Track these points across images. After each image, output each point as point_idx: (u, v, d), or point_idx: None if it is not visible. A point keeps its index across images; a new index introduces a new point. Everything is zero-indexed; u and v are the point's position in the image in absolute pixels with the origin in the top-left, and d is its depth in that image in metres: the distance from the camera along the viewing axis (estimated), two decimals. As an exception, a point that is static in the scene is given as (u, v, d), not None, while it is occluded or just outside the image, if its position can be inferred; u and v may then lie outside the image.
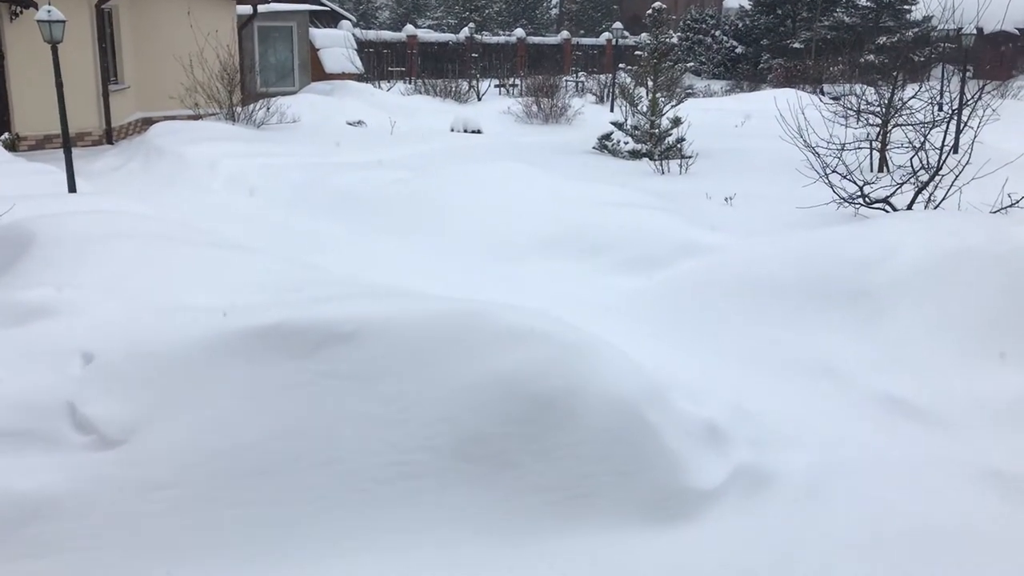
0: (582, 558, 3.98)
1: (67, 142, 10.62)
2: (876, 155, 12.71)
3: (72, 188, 10.37)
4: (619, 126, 16.18)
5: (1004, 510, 4.51)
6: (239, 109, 17.36)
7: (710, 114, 19.67)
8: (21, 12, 14.86)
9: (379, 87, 24.67)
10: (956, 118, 11.11)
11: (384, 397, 4.20)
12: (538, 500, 4.15)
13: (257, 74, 22.36)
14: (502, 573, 3.85)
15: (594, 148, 16.35)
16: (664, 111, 15.95)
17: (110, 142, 16.65)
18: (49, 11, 10.09)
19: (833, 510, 4.46)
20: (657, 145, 15.40)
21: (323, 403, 4.15)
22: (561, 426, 4.30)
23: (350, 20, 29.74)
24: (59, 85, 10.35)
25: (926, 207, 9.62)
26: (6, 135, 15.03)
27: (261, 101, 17.69)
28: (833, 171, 10.19)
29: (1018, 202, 9.13)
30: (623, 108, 16.61)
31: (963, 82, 13.94)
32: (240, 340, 4.27)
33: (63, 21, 10.22)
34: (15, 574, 3.51)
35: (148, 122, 17.56)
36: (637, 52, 18.75)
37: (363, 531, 3.92)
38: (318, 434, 4.07)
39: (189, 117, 17.09)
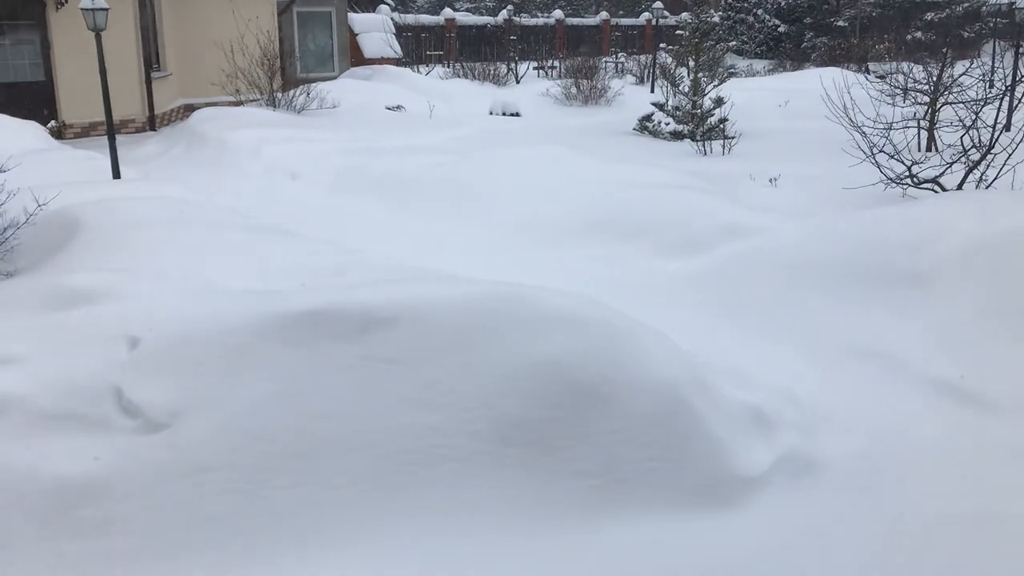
0: (624, 543, 3.95)
1: (111, 129, 10.75)
2: (924, 134, 12.41)
3: (116, 174, 10.51)
4: (660, 107, 15.99)
5: (1061, 498, 4.38)
6: (279, 95, 17.45)
7: (753, 94, 19.35)
8: (66, 1, 15.05)
9: (418, 71, 24.65)
10: (1009, 95, 10.80)
11: (425, 381, 4.20)
12: (580, 485, 4.12)
13: (297, 60, 22.45)
14: (543, 557, 3.83)
15: (634, 129, 16.20)
16: (706, 91, 15.73)
17: (153, 129, 16.85)
18: (93, 0, 10.20)
19: (881, 497, 4.38)
20: (699, 126, 15.20)
21: (364, 387, 4.15)
22: (603, 411, 4.26)
23: (388, 4, 29.72)
24: (103, 73, 10.47)
25: (977, 187, 9.38)
26: (52, 123, 15.27)
27: (301, 87, 17.75)
28: (880, 151, 9.97)
29: (1073, 181, 8.86)
30: (664, 89, 16.41)
31: (1016, 58, 13.55)
32: (282, 324, 4.28)
33: (106, 9, 10.33)
34: (62, 555, 3.56)
35: (190, 108, 17.73)
36: (678, 32, 18.51)
37: (404, 513, 3.92)
38: (359, 417, 4.08)
39: (230, 103, 17.22)
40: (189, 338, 4.23)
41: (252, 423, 3.96)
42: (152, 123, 16.92)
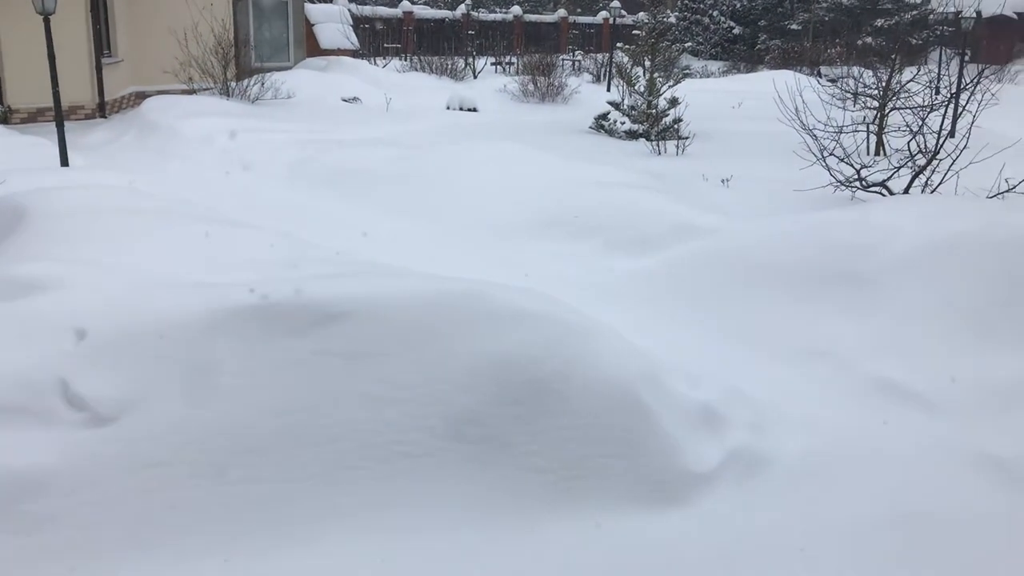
0: (577, 540, 3.98)
1: (59, 115, 10.52)
2: (873, 138, 12.67)
3: (64, 162, 10.30)
4: (616, 106, 16.10)
5: (1000, 495, 4.52)
6: (233, 84, 17.21)
7: (707, 95, 19.56)
8: (13, -18, 14.68)
9: (374, 64, 24.48)
10: (954, 102, 11.07)
11: (380, 376, 4.19)
12: (534, 481, 4.15)
13: (252, 49, 22.14)
14: (497, 553, 3.85)
15: (591, 128, 16.28)
16: (661, 91, 15.86)
17: (103, 116, 16.51)
18: (41, -18, 9.97)
19: (828, 494, 4.47)
20: (654, 125, 15.33)
21: (318, 382, 4.13)
22: (557, 407, 4.29)
23: (346, -5, 29.45)
24: (51, 57, 10.24)
25: (923, 191, 9.60)
26: (-2, 107, 14.90)
27: (256, 76, 17.53)
28: (830, 154, 10.16)
29: (1015, 187, 9.11)
30: (620, 88, 16.53)
31: (961, 66, 13.89)
32: (234, 317, 4.24)
33: (55, -8, 10.11)
34: (7, 550, 3.49)
35: (142, 96, 17.41)
36: (635, 31, 18.62)
37: (359, 510, 3.91)
38: (313, 413, 4.05)
39: (183, 91, 16.94)
40: (138, 331, 4.16)
41: (202, 417, 3.91)
42: (102, 110, 16.57)
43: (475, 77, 24.99)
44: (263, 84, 17.17)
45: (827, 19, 35.52)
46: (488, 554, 3.84)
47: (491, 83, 22.20)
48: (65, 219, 5.88)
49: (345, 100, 18.37)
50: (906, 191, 9.65)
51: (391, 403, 4.13)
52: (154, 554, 3.60)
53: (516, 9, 35.37)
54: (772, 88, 11.49)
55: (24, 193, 6.49)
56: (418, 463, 4.06)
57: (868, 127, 12.40)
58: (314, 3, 26.45)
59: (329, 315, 4.29)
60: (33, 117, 15.42)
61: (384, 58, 26.69)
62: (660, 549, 3.98)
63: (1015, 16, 36.99)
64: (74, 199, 6.46)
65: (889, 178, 9.75)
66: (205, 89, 17.27)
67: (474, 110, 18.75)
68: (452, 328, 4.38)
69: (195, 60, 17.01)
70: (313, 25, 25.36)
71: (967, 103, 10.28)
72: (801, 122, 10.40)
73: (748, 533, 4.14)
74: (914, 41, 28.71)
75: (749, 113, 17.52)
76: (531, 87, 20.83)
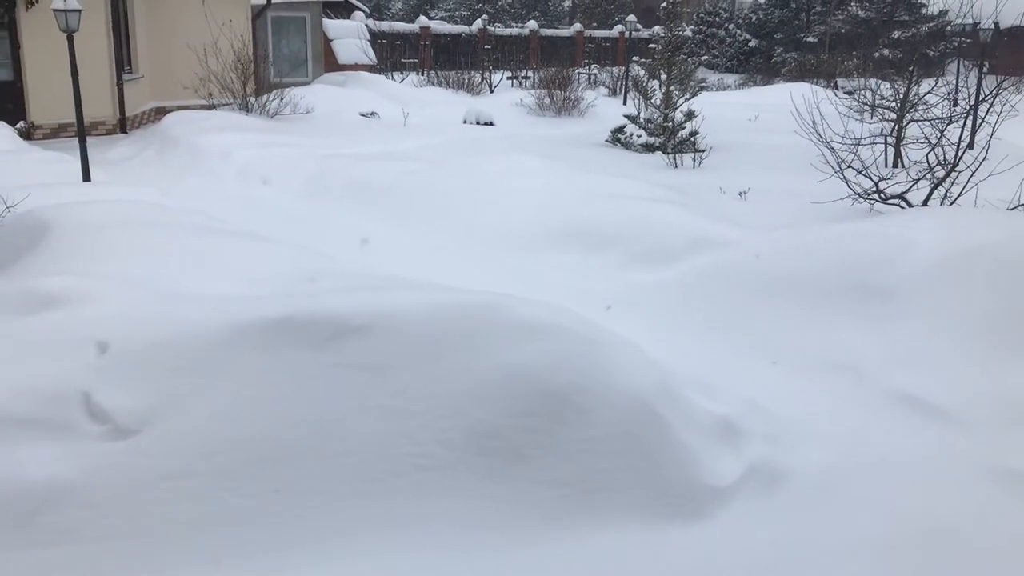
0: (595, 553, 3.97)
1: (82, 131, 10.65)
2: (891, 151, 12.62)
3: (87, 177, 10.41)
4: (632, 119, 16.12)
5: (1020, 509, 4.48)
6: (253, 99, 17.37)
7: (723, 108, 19.57)
8: (37, 1, 14.89)
9: (392, 78, 24.63)
10: (972, 114, 11.02)
11: (397, 389, 4.20)
12: (551, 495, 4.14)
13: (271, 64, 22.34)
14: (515, 567, 3.85)
15: (607, 141, 16.30)
16: (677, 104, 15.88)
17: (124, 131, 16.69)
18: (65, 0, 10.10)
19: (847, 508, 4.44)
20: (670, 138, 15.34)
21: (336, 394, 4.14)
22: (574, 421, 4.29)
23: (363, 11, 29.66)
24: (74, 74, 10.37)
25: (942, 204, 9.55)
26: (21, 123, 15.07)
27: (275, 91, 17.68)
28: (848, 166, 10.13)
29: (1035, 199, 9.05)
30: (636, 101, 16.55)
31: (980, 77, 13.83)
32: (254, 330, 4.26)
33: (79, 10, 10.25)
34: (27, 563, 3.51)
35: (162, 111, 17.59)
36: (651, 45, 18.65)
37: (376, 523, 3.92)
38: (331, 425, 4.07)
39: (203, 107, 17.11)
40: (159, 344, 4.20)
41: (222, 430, 3.94)
42: (123, 126, 16.76)
43: (492, 91, 25.09)
44: (282, 99, 17.32)
45: (843, 31, 35.44)
46: (504, 568, 3.84)
47: (508, 97, 22.28)
48: (87, 233, 5.94)
49: (363, 115, 18.49)
50: (925, 203, 9.60)
51: (408, 416, 4.14)
52: (173, 567, 3.62)
53: (532, 23, 35.51)
54: (789, 101, 11.47)
55: (47, 208, 6.56)
56: (435, 476, 4.06)
57: (886, 139, 12.36)
58: (332, 19, 26.67)
59: (347, 328, 4.31)
60: (55, 133, 15.61)
61: (401, 73, 26.86)
62: (677, 563, 3.97)
63: (1034, 27, 36.75)
64: (96, 214, 6.52)
65: (907, 190, 9.71)
66: (225, 104, 17.44)
67: (491, 124, 18.82)
68: (469, 340, 4.39)
69: (215, 76, 17.18)
70: (331, 41, 25.56)
71: (986, 115, 10.24)
72: (818, 134, 10.39)
73: (767, 548, 4.12)
74: (931, 53, 28.60)
75: (766, 126, 17.51)
76: (547, 101, 20.89)
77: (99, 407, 3.90)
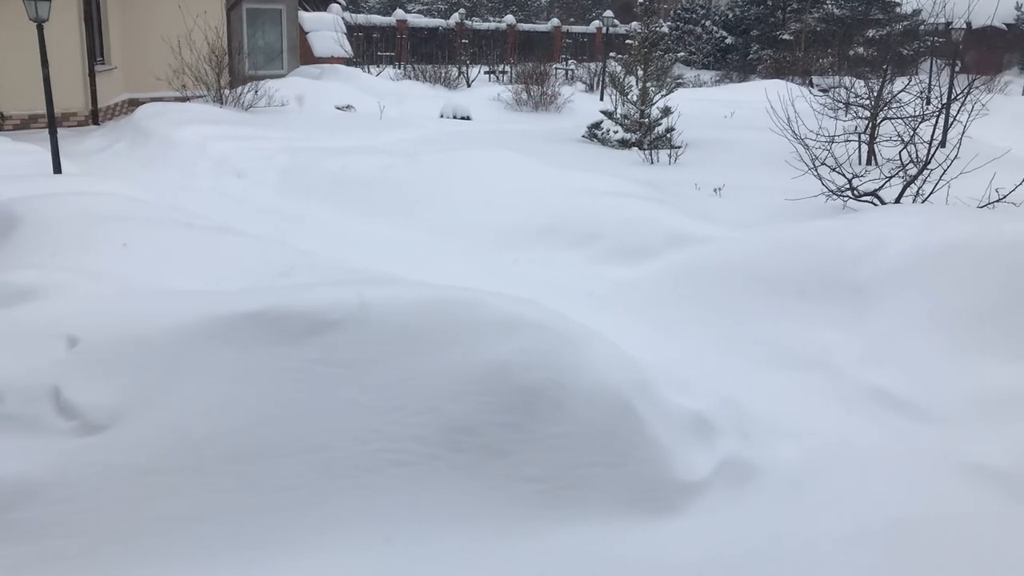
0: (570, 549, 3.98)
1: (52, 122, 10.51)
2: (865, 148, 12.73)
3: (57, 169, 10.28)
4: (609, 115, 16.15)
5: (992, 504, 4.54)
6: (227, 92, 17.23)
7: (699, 104, 19.66)
8: (6, -11, 14.68)
9: (368, 71, 24.53)
10: (944, 112, 11.14)
11: (372, 385, 4.18)
12: (527, 490, 4.14)
13: (245, 57, 22.17)
14: (490, 563, 3.85)
15: (583, 136, 16.32)
16: (654, 100, 15.93)
17: (96, 123, 16.50)
18: (35, -11, 9.96)
19: (819, 503, 4.48)
20: (647, 134, 15.39)
21: (311, 390, 4.12)
22: (550, 416, 4.29)
23: (339, 3, 29.51)
24: (44, 65, 10.23)
25: (914, 201, 9.65)
26: (-10, 114, 14.88)
27: (249, 84, 17.55)
28: (822, 163, 10.20)
29: (1006, 197, 9.17)
30: (613, 97, 16.59)
31: (952, 76, 13.98)
32: (227, 325, 4.23)
33: (49, 0, 10.10)
34: (-2, 559, 3.47)
35: (135, 103, 17.41)
36: (628, 41, 18.69)
37: (351, 519, 3.90)
38: (306, 421, 4.04)
39: (176, 99, 16.95)
40: (130, 338, 4.15)
41: (195, 425, 3.90)
42: (95, 117, 16.56)
43: (469, 85, 25.06)
44: (256, 92, 17.20)
45: (819, 29, 35.72)
46: (479, 563, 3.83)
47: (485, 91, 22.27)
48: (58, 226, 5.87)
49: (339, 108, 18.40)
50: (898, 200, 9.70)
51: (383, 412, 4.13)
52: (145, 563, 3.59)
53: (510, 18, 35.50)
54: (764, 98, 11.54)
55: (17, 200, 6.47)
56: (409, 472, 4.05)
57: (860, 137, 12.46)
58: (308, 11, 26.50)
59: (321, 323, 4.28)
60: (26, 124, 15.40)
61: (378, 66, 26.76)
62: (650, 557, 3.99)
63: (1004, 27, 37.25)
64: (67, 206, 6.44)
65: (881, 188, 9.80)
66: (198, 96, 17.29)
67: (468, 118, 18.79)
68: (444, 336, 4.37)
69: (188, 67, 17.03)
70: (307, 33, 25.41)
71: (957, 113, 10.35)
72: (793, 132, 10.46)
73: (739, 542, 4.14)
74: (905, 52, 28.87)
75: (741, 122, 17.60)
76: (524, 96, 20.90)
77: (69, 402, 3.85)
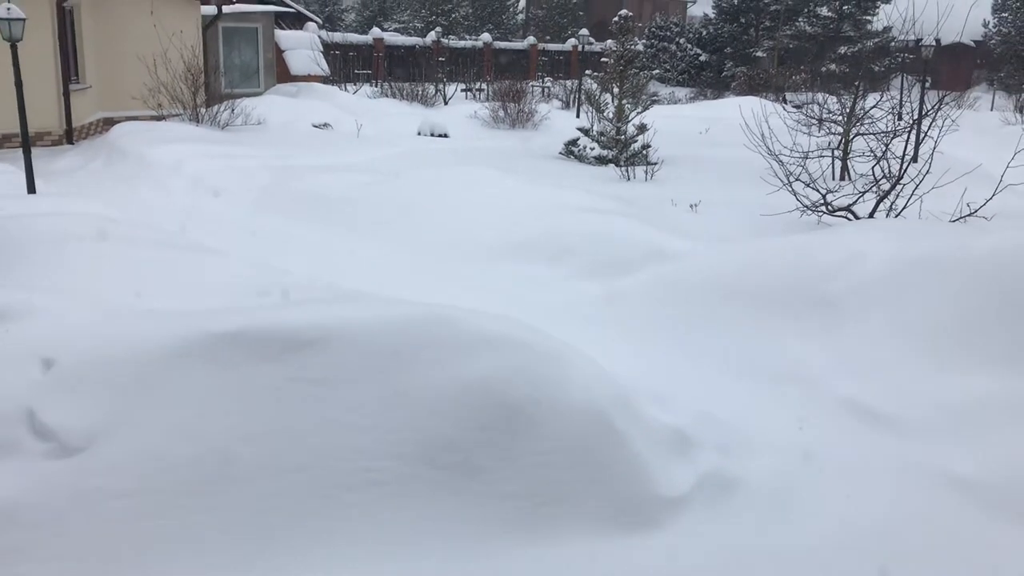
0: (551, 565, 3.97)
1: (26, 141, 10.43)
2: (838, 164, 12.88)
3: (31, 189, 10.20)
4: (585, 132, 16.24)
5: (966, 515, 4.58)
6: (203, 110, 17.17)
7: (674, 121, 19.80)
8: (-21, 9, 14.57)
9: (345, 90, 24.54)
10: (916, 128, 11.30)
11: (350, 403, 4.17)
12: (506, 507, 4.14)
13: (222, 75, 22.12)
14: (470, 580, 3.84)
15: (560, 153, 16.40)
16: (630, 117, 16.04)
17: (70, 142, 16.38)
18: (8, 8, 9.91)
19: (797, 516, 4.51)
20: (623, 151, 15.49)
21: (289, 409, 4.10)
22: (529, 433, 4.29)
23: (316, 22, 29.53)
24: (18, 84, 10.16)
25: (887, 216, 9.77)
26: (-38, 134, 14.72)
27: (226, 102, 17.50)
28: (797, 179, 10.31)
29: (977, 211, 9.30)
30: (589, 114, 16.69)
31: (923, 92, 14.18)
32: (204, 345, 4.21)
33: (23, 19, 10.05)
34: (-30, 584, 3.43)
35: (110, 122, 17.30)
36: (603, 59, 18.84)
37: (330, 538, 3.88)
38: (284, 440, 4.02)
39: (152, 118, 16.87)
40: (107, 359, 4.12)
41: (172, 446, 3.87)
42: (69, 136, 16.44)
43: (446, 103, 25.12)
44: (233, 110, 17.15)
45: (791, 47, 36.13)
46: (461, 581, 3.83)
47: (462, 109, 22.33)
48: (32, 247, 5.82)
49: (316, 126, 18.38)
50: (871, 215, 9.81)
51: (361, 430, 4.12)
52: (122, 586, 3.55)
53: (486, 36, 35.66)
54: (739, 114, 11.66)
55: (-10, 220, 6.41)
56: (388, 490, 4.04)
57: (833, 152, 12.61)
58: (284, 29, 26.50)
59: (299, 342, 4.27)
60: (-1, 143, 15.27)
61: (355, 84, 26.77)
62: (633, 573, 3.99)
63: (973, 44, 37.86)
64: (42, 227, 6.40)
65: (854, 203, 9.92)
66: (175, 115, 17.22)
67: (445, 136, 18.83)
68: (421, 353, 4.37)
69: (164, 86, 16.96)
70: (283, 51, 25.40)
71: (928, 129, 10.51)
72: (768, 148, 10.56)
73: (719, 555, 4.16)
74: (876, 68, 29.26)
75: (716, 139, 17.75)
76: (501, 113, 20.98)
77: (44, 424, 3.82)
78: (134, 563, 3.62)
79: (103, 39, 18.13)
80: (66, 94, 16.32)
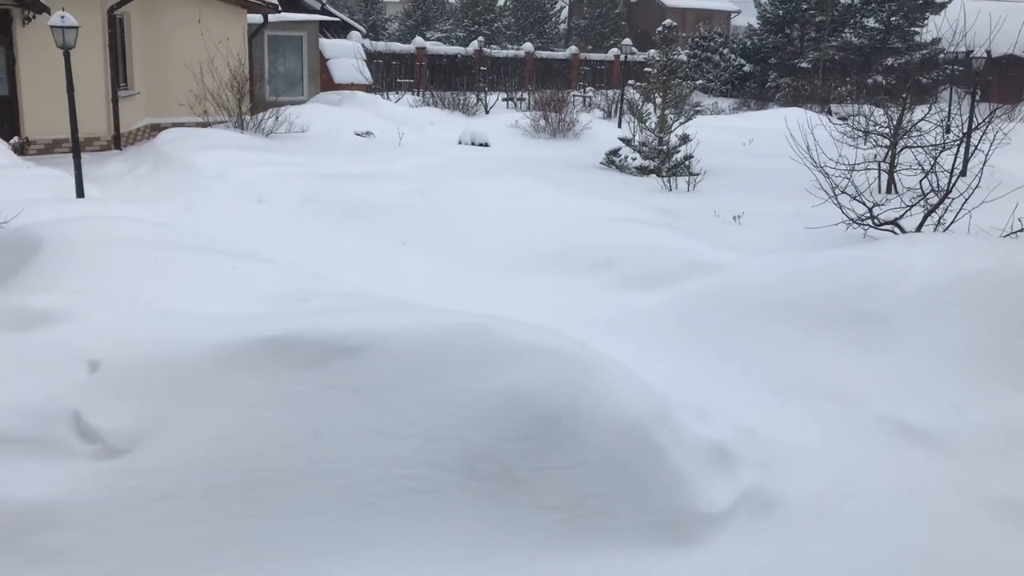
0: (587, 579, 3.94)
1: (76, 147, 10.63)
2: (884, 176, 12.68)
3: (80, 193, 10.38)
4: (627, 142, 16.17)
5: (1011, 536, 4.46)
6: (248, 117, 17.39)
7: (718, 132, 19.66)
8: (34, 16, 14.91)
9: (387, 98, 24.72)
10: (965, 141, 11.09)
11: (389, 411, 4.17)
12: (544, 519, 4.11)
13: (267, 83, 22.41)
14: (506, 592, 3.81)
15: (601, 163, 16.35)
16: (672, 128, 15.95)
17: (118, 147, 16.68)
18: (63, 16, 10.12)
19: (841, 535, 4.42)
20: (665, 162, 15.39)
21: (328, 416, 4.12)
22: (567, 445, 4.27)
23: (360, 31, 29.81)
24: (70, 90, 10.37)
25: (935, 230, 9.59)
26: (15, 139, 15.06)
27: (270, 110, 17.71)
28: (842, 192, 10.17)
29: (1028, 227, 9.09)
30: (631, 124, 16.62)
31: (973, 105, 13.93)
32: (246, 350, 4.24)
33: (76, 27, 10.26)
34: (15, 583, 3.47)
35: (157, 128, 17.60)
36: (646, 68, 18.77)
37: (367, 546, 3.88)
38: (322, 447, 4.04)
39: (198, 124, 17.12)
40: (151, 363, 4.17)
41: (213, 450, 3.91)
42: (117, 142, 16.75)
43: (487, 112, 25.19)
44: (277, 118, 17.35)
45: (837, 57, 35.72)
46: (497, 593, 3.81)
47: (503, 118, 22.35)
48: (80, 250, 5.92)
49: (358, 134, 18.53)
50: (918, 229, 9.64)
51: (400, 438, 4.12)
52: (162, 588, 3.58)
53: (528, 46, 35.74)
54: (783, 125, 11.54)
55: (40, 224, 6.54)
56: (426, 499, 4.03)
57: (879, 165, 12.42)
58: (328, 38, 26.78)
59: (339, 349, 4.29)
60: (49, 148, 15.60)
61: (397, 93, 26.95)
62: (671, 590, 3.94)
63: (1025, 56, 37.12)
64: (89, 231, 6.51)
65: (901, 216, 9.75)
66: (220, 122, 17.46)
67: (486, 145, 18.86)
68: (461, 363, 4.37)
69: (210, 93, 17.21)
70: (327, 60, 25.66)
71: (979, 142, 10.30)
72: (813, 159, 10.43)
73: (759, 574, 4.09)
74: (924, 80, 28.83)
75: (760, 150, 17.59)
76: (542, 123, 20.97)
77: (89, 426, 3.87)
78: (174, 565, 3.65)
79: (151, 46, 18.46)
80: (115, 100, 16.64)
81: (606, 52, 39.87)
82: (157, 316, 4.74)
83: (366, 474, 4.02)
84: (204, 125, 17.13)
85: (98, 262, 5.77)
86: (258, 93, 19.71)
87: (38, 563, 3.51)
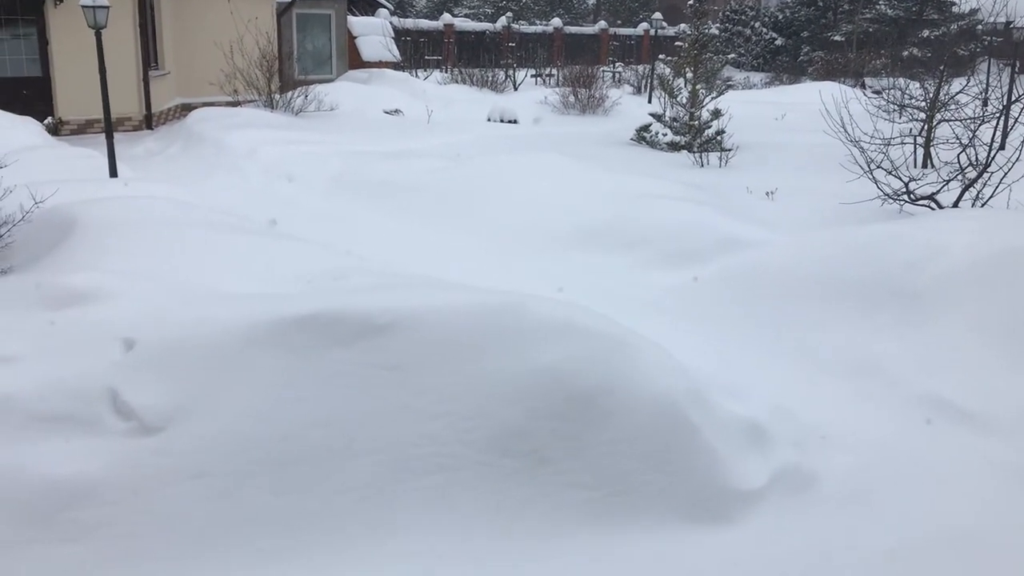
0: (620, 558, 3.93)
1: (109, 127, 10.71)
2: (921, 151, 12.46)
3: (113, 173, 10.47)
4: (658, 117, 16.01)
5: (1057, 519, 4.39)
6: (277, 96, 17.44)
7: (749, 106, 19.41)
8: (65, -3, 15.02)
9: (416, 76, 24.65)
10: (1005, 114, 10.85)
11: (422, 389, 4.17)
12: (576, 497, 4.11)
13: (295, 61, 22.43)
14: (539, 570, 3.81)
15: (632, 139, 16.21)
16: (704, 103, 15.76)
17: (150, 127, 16.81)
18: (93, -3, 10.16)
19: (876, 513, 4.38)
20: (696, 137, 15.23)
21: (361, 394, 4.13)
22: (600, 423, 4.25)
23: (387, 8, 29.73)
24: (102, 70, 10.43)
25: (973, 205, 9.41)
26: (49, 119, 15.21)
27: (299, 88, 17.74)
28: (878, 167, 10.00)
29: (1069, 201, 8.90)
30: (661, 99, 16.44)
31: (1012, 76, 13.61)
32: (279, 329, 4.25)
33: (107, 7, 10.30)
34: (53, 558, 3.52)
35: (187, 108, 17.70)
36: (677, 43, 18.54)
37: (400, 522, 3.90)
38: (355, 424, 4.05)
39: (228, 103, 17.20)
40: (185, 341, 4.20)
41: (248, 428, 3.93)
42: (149, 122, 16.87)
43: (515, 89, 25.05)
44: (306, 96, 17.37)
45: (871, 30, 35.11)
46: (528, 570, 3.80)
47: (531, 95, 22.22)
48: (114, 230, 5.97)
49: (387, 112, 18.51)
50: (956, 205, 9.46)
51: (434, 416, 4.12)
52: (197, 565, 3.62)
53: (556, 21, 35.45)
54: (816, 100, 11.35)
55: (74, 203, 6.60)
56: (459, 476, 4.03)
57: (915, 139, 12.20)
58: (356, 16, 26.73)
59: (373, 327, 4.28)
60: (82, 128, 15.74)
61: (425, 70, 26.87)
62: (705, 568, 3.92)
63: (1066, 26, 36.23)
64: (123, 210, 6.55)
65: (938, 191, 9.58)
66: (249, 101, 17.52)
67: (515, 122, 18.77)
68: (494, 341, 4.35)
69: (240, 72, 17.27)
70: (355, 38, 25.62)
71: (1019, 115, 10.07)
72: (847, 134, 10.26)
73: (796, 553, 4.06)
74: (962, 52, 28.27)
75: (793, 125, 17.36)
76: (572, 99, 20.82)
77: (125, 404, 3.90)
78: (207, 541, 3.68)
79: (181, 26, 18.54)
80: (146, 80, 16.75)
81: (635, 27, 39.46)
82: (191, 295, 4.76)
83: (399, 451, 4.03)
84: (234, 104, 17.21)
85: (132, 241, 5.81)
86: (287, 72, 19.74)
87: (75, 538, 3.56)
